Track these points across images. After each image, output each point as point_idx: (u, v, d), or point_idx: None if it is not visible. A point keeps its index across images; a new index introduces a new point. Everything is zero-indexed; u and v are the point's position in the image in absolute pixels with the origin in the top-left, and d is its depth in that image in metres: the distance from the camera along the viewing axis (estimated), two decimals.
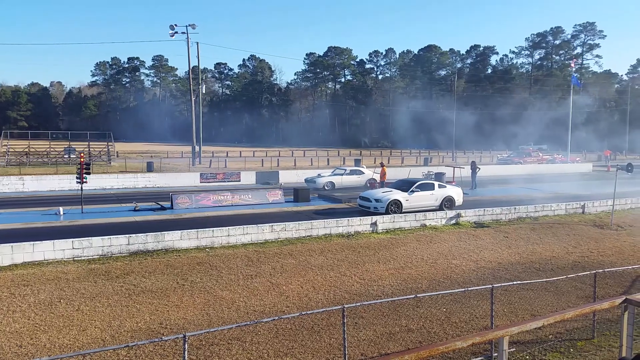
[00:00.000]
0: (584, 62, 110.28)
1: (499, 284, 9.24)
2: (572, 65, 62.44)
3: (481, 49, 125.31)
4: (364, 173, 31.41)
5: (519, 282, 10.43)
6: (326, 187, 29.47)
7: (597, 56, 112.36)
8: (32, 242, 13.36)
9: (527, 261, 14.42)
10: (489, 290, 8.09)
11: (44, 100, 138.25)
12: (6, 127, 75.70)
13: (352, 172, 31.34)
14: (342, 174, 30.85)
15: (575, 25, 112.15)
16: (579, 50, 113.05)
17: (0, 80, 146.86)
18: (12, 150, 47.36)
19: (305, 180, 31.36)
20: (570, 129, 54.53)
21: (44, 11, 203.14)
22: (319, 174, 31.73)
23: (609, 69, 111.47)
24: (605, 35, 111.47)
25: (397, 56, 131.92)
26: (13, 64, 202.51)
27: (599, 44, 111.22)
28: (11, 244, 13.15)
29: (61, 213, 20.18)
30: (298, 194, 24.78)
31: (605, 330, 9.38)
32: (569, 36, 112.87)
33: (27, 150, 47.95)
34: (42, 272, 12.28)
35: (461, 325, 9.52)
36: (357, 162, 47.51)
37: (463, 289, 9.35)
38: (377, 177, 29.39)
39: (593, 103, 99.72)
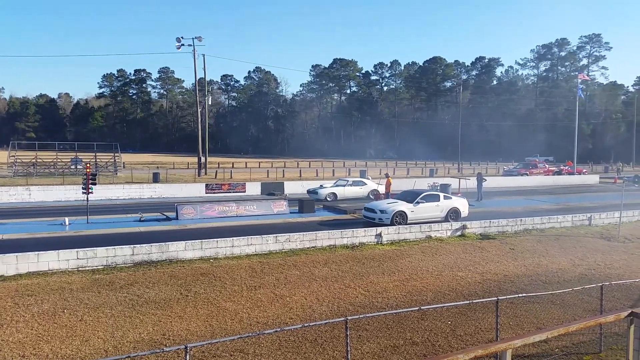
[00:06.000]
0: (590, 73, 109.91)
1: (505, 297, 9.15)
2: (580, 78, 62.00)
3: (486, 60, 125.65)
4: (366, 184, 31.34)
5: (524, 294, 10.32)
6: (328, 198, 29.41)
7: (603, 67, 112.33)
8: (36, 252, 13.40)
9: (533, 273, 14.29)
10: (495, 303, 8.00)
11: (51, 111, 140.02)
12: (14, 137, 76.42)
13: (355, 183, 31.28)
14: (344, 185, 30.80)
15: (581, 36, 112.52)
16: (584, 61, 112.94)
17: (9, 92, 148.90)
18: (20, 160, 47.75)
19: (307, 191, 31.36)
20: (576, 141, 54.33)
21: (51, 24, 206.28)
22: (321, 185, 31.73)
23: (615, 81, 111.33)
24: (611, 47, 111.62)
25: (402, 68, 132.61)
26: (21, 75, 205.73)
27: (604, 55, 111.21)
28: (16, 254, 13.19)
29: (67, 223, 20.25)
30: (303, 205, 24.75)
31: (612, 344, 9.24)
32: (575, 48, 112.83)
33: (34, 160, 48.31)
34: (46, 282, 12.29)
35: (466, 338, 9.42)
36: (363, 174, 47.49)
37: (468, 302, 9.27)
38: (382, 189, 29.34)
39: (599, 114, 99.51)
